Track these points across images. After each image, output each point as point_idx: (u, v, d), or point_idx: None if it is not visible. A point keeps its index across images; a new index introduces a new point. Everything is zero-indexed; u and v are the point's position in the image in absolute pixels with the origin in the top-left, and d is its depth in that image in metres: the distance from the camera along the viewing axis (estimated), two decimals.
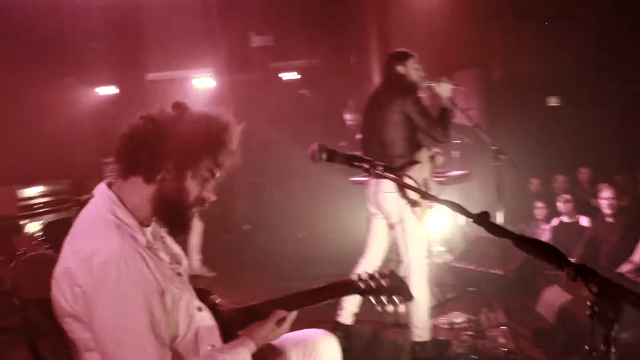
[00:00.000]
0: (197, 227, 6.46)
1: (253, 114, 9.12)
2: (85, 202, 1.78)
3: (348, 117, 8.40)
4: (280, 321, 1.91)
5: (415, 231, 3.87)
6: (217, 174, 1.77)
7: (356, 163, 1.82)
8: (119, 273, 1.55)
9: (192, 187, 1.72)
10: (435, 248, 6.30)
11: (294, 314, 1.96)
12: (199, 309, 1.86)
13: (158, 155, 1.67)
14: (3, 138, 6.55)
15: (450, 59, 7.79)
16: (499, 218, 4.39)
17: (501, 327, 3.97)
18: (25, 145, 6.38)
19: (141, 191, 1.72)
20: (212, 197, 1.77)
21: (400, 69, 3.97)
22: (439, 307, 4.88)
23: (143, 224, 1.75)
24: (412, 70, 4.00)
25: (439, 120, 3.84)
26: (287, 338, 2.14)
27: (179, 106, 1.79)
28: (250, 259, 7.27)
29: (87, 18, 7.73)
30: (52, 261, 1.79)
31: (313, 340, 2.21)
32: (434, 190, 4.16)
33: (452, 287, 5.34)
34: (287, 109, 8.98)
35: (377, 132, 3.92)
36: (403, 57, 4.01)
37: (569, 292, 4.16)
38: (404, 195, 3.80)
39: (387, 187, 3.87)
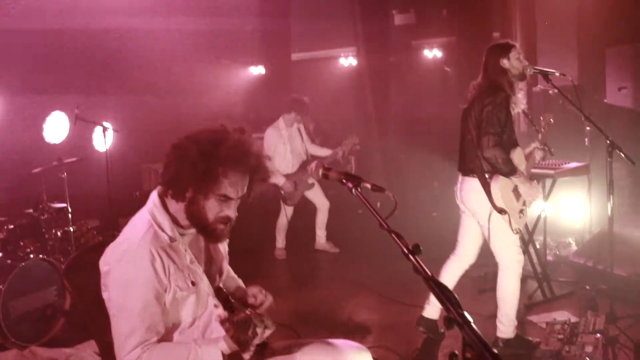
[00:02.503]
0: (323, 206, 6.79)
1: (395, 92, 9.22)
2: None
3: None
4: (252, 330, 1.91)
5: (502, 228, 3.77)
6: (233, 196, 2.01)
7: (344, 180, 1.93)
8: (128, 264, 1.93)
9: (210, 208, 2.00)
10: (562, 239, 5.97)
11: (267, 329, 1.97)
12: (216, 306, 2.11)
13: (179, 182, 1.98)
14: (163, 118, 7.43)
15: (601, 32, 7.11)
16: (608, 212, 4.11)
17: (597, 335, 3.74)
18: (181, 124, 7.16)
19: (176, 204, 2.06)
20: (232, 216, 2.02)
21: (504, 62, 3.81)
22: (546, 304, 4.70)
23: (184, 227, 2.08)
24: (515, 61, 3.84)
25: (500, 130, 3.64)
26: (317, 344, 2.25)
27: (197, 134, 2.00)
28: (378, 236, 7.39)
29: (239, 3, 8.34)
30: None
31: (345, 353, 2.23)
32: (533, 191, 3.94)
33: (566, 283, 5.07)
34: (430, 87, 8.91)
35: (469, 130, 3.85)
36: (506, 50, 3.83)
37: None
38: (490, 202, 3.71)
39: (471, 186, 3.81)
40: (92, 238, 3.68)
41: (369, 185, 1.91)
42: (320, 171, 2.01)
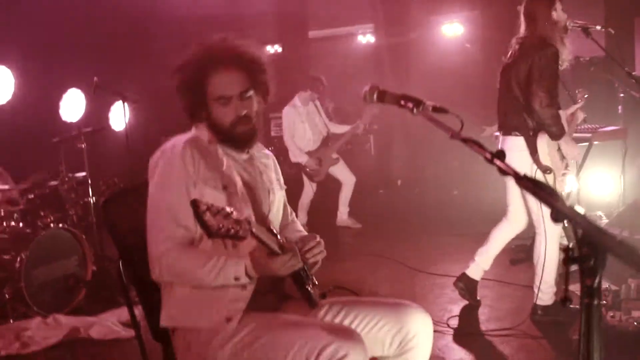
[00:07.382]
0: (349, 181, 6.67)
1: (414, 69, 9.02)
2: None
3: None
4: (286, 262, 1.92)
5: None
6: (230, 93, 2.02)
7: (402, 102, 1.77)
8: (164, 161, 2.02)
9: (219, 115, 2.05)
10: (592, 212, 5.80)
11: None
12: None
13: (186, 109, 2.11)
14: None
15: (629, 2, 6.91)
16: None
17: None
18: None
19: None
20: (242, 113, 2.04)
21: (554, 14, 3.61)
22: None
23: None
24: (561, 12, 3.65)
25: (553, 88, 3.44)
26: (377, 303, 2.10)
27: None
28: (400, 214, 7.30)
29: None
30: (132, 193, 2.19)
31: (407, 314, 2.03)
32: (575, 151, 3.75)
33: None
34: (450, 65, 8.72)
35: (511, 87, 3.68)
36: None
37: None
38: (535, 160, 3.54)
39: (513, 145, 3.64)
40: None
41: (430, 106, 1.75)
42: (375, 94, 1.85)
